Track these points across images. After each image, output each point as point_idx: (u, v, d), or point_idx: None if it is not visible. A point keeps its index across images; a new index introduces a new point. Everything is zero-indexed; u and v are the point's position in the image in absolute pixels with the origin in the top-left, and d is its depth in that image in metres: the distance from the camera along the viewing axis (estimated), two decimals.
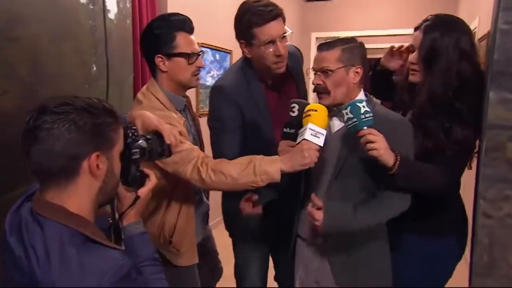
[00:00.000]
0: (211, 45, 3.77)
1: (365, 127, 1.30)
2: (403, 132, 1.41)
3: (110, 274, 0.84)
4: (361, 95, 1.46)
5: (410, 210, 1.40)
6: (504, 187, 1.28)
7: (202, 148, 1.74)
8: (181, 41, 1.52)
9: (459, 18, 1.51)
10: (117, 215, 1.12)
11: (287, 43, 1.64)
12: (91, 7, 1.70)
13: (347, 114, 1.31)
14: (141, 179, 1.12)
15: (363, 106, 1.30)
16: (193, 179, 1.42)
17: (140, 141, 1.11)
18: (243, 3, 1.64)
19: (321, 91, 1.42)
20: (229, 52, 4.12)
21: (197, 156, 1.43)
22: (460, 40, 1.44)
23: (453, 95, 1.42)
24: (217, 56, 3.94)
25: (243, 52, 1.69)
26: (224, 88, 1.67)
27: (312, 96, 1.86)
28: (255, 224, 1.81)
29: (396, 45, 1.76)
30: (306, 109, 1.37)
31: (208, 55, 3.79)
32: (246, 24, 1.58)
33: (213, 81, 3.79)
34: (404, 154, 1.34)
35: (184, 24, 1.54)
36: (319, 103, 1.44)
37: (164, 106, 1.53)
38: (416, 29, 1.54)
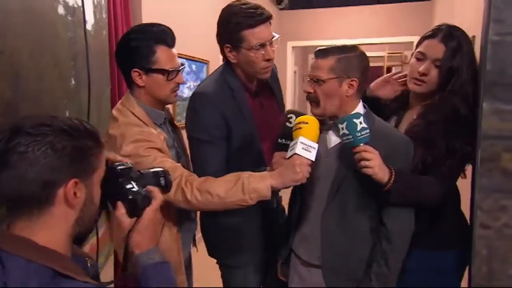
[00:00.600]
0: (187, 56, 3.72)
1: (361, 144, 1.27)
2: (404, 152, 1.38)
3: None
4: (359, 108, 1.40)
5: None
6: (500, 197, 1.29)
7: (187, 161, 1.65)
8: (161, 56, 1.42)
9: (457, 26, 1.50)
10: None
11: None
12: (70, 18, 1.63)
13: (342, 129, 1.29)
14: (148, 200, 1.00)
15: (360, 123, 1.27)
16: (177, 200, 1.34)
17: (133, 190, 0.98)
18: (228, 6, 1.58)
19: (312, 100, 1.39)
20: (205, 62, 4.07)
21: (180, 175, 1.35)
22: (471, 51, 1.44)
23: (470, 107, 1.41)
24: (194, 67, 3.89)
25: (227, 57, 1.62)
26: (207, 95, 1.58)
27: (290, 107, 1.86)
28: (238, 243, 1.74)
29: (393, 69, 1.74)
30: (296, 121, 1.32)
31: (185, 66, 3.73)
32: (235, 26, 1.52)
33: (190, 93, 3.74)
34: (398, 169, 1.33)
35: (166, 37, 1.44)
36: (311, 111, 1.41)
37: (142, 121, 1.43)
38: (428, 37, 1.49)
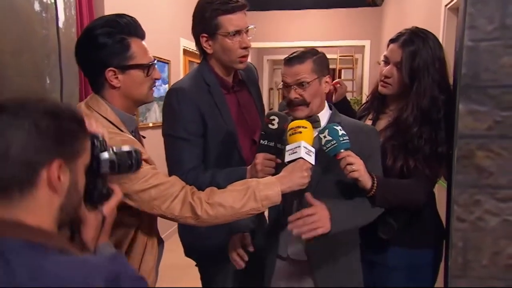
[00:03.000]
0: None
1: (342, 150, 1.33)
2: (374, 139, 1.49)
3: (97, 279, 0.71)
4: (327, 106, 1.51)
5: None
6: (475, 192, 1.39)
7: None
8: (137, 50, 1.27)
9: (427, 30, 1.57)
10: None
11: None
12: (44, 15, 1.55)
13: (325, 137, 1.34)
14: (108, 195, 1.02)
15: (340, 129, 1.34)
16: (183, 217, 1.26)
17: (109, 153, 0.99)
18: None
19: (299, 104, 1.43)
20: (167, 62, 4.01)
21: (182, 189, 1.27)
22: (436, 51, 1.51)
23: (439, 107, 1.50)
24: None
25: (203, 49, 1.62)
26: (183, 90, 1.56)
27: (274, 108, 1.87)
28: (216, 243, 1.71)
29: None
30: (293, 126, 1.34)
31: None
32: (211, 13, 1.54)
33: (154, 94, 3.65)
34: (379, 172, 1.41)
35: (136, 28, 1.30)
36: (295, 115, 1.44)
37: (117, 128, 1.28)
38: (392, 41, 1.57)
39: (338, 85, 1.90)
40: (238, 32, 1.56)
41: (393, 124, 1.57)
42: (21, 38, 1.47)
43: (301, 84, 1.40)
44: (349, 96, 8.26)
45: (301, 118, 1.42)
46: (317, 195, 1.40)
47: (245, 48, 1.59)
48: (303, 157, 1.28)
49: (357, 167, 1.32)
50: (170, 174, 1.56)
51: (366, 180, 1.35)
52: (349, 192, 1.43)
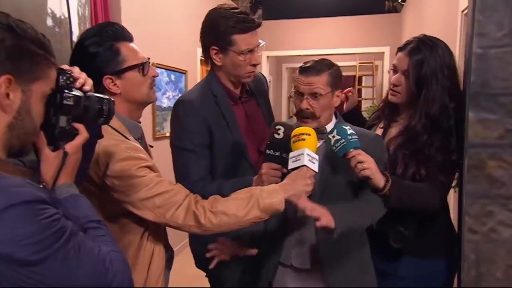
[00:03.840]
0: (165, 66, 3.71)
1: (351, 149, 1.32)
2: (379, 146, 1.47)
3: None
4: (333, 118, 1.51)
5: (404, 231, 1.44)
6: (486, 202, 1.35)
7: None
8: (127, 52, 1.28)
9: (437, 38, 1.56)
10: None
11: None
12: (57, 30, 1.61)
13: (334, 137, 1.34)
14: (71, 135, 0.95)
15: (349, 129, 1.35)
16: (186, 225, 1.25)
17: (77, 91, 0.94)
18: (217, 9, 1.60)
19: (308, 116, 1.43)
20: (184, 72, 4.07)
21: (186, 197, 1.27)
22: (446, 59, 1.50)
23: (449, 115, 1.48)
24: (172, 77, 3.88)
25: (211, 60, 1.64)
26: (191, 101, 1.60)
27: (282, 118, 1.86)
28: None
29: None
30: (297, 133, 1.34)
31: (163, 76, 3.72)
32: (226, 30, 1.54)
33: (170, 103, 3.72)
34: (392, 177, 1.39)
35: (123, 33, 1.31)
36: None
37: (123, 135, 1.29)
38: (399, 50, 1.57)
39: (350, 93, 1.90)
40: (250, 51, 1.58)
41: (404, 132, 1.56)
42: None
43: (314, 95, 1.41)
44: (369, 103, 8.26)
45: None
46: (323, 203, 1.39)
47: (254, 65, 1.62)
48: (307, 164, 1.27)
49: (368, 165, 1.32)
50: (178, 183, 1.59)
51: (379, 179, 1.35)
52: (357, 185, 1.42)
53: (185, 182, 1.46)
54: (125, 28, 1.33)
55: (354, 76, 7.88)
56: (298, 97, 1.45)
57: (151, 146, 1.50)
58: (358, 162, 1.32)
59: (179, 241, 3.47)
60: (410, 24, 5.26)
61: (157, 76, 1.39)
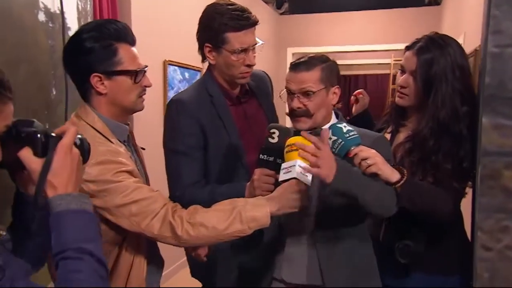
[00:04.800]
0: (179, 63, 3.77)
1: (352, 147, 1.29)
2: (383, 147, 1.42)
3: None
4: (333, 116, 1.48)
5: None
6: (502, 217, 1.30)
7: (148, 184, 1.50)
8: (125, 56, 1.28)
9: (449, 36, 1.53)
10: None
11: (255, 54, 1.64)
12: (51, 25, 1.66)
13: (330, 138, 1.30)
14: (54, 139, 0.89)
15: (344, 126, 1.31)
16: (162, 236, 1.24)
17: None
18: (213, 5, 1.60)
19: (301, 115, 1.41)
20: (199, 70, 4.12)
21: (163, 206, 1.24)
22: (457, 59, 1.46)
23: (460, 119, 1.44)
24: (186, 75, 3.94)
25: (205, 58, 1.64)
26: (182, 101, 1.60)
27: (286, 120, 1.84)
28: (225, 267, 1.71)
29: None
30: (290, 142, 1.31)
31: (176, 74, 3.78)
32: (219, 27, 1.54)
33: None
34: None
35: (126, 34, 1.30)
36: (296, 127, 1.42)
37: (105, 137, 1.28)
38: (407, 48, 1.54)
39: (361, 95, 1.87)
40: (244, 50, 1.57)
41: (411, 138, 1.52)
42: (20, 48, 1.56)
43: (306, 93, 1.38)
44: None
45: (304, 130, 1.40)
46: (321, 215, 1.39)
47: (249, 66, 1.61)
48: (297, 177, 1.23)
49: (372, 161, 1.27)
50: (169, 188, 1.60)
51: (388, 173, 1.30)
52: (358, 213, 1.40)
53: (176, 186, 1.48)
54: (130, 29, 1.33)
55: (389, 75, 7.75)
56: (289, 95, 1.42)
57: (143, 149, 1.53)
58: (362, 160, 1.28)
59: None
60: (449, 18, 5.14)
61: (150, 86, 1.38)
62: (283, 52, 6.53)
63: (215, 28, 1.56)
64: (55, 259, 0.83)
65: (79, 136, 0.97)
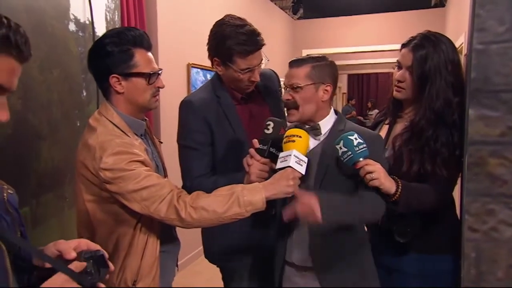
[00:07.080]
0: (202, 66, 3.83)
1: (361, 159, 1.32)
2: (379, 146, 1.47)
3: None
4: (331, 113, 1.49)
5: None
6: (487, 201, 1.31)
7: (165, 175, 1.62)
8: (140, 59, 1.37)
9: (442, 34, 1.55)
10: None
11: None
12: (81, 34, 1.73)
13: (340, 148, 1.34)
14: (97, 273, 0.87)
15: (355, 138, 1.33)
16: (168, 218, 1.30)
17: None
18: (221, 23, 1.61)
19: (290, 107, 1.45)
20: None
21: (170, 192, 1.31)
22: (449, 54, 1.48)
23: (453, 109, 1.45)
24: (208, 76, 3.99)
25: (213, 67, 1.67)
26: (191, 102, 1.65)
27: None
28: (234, 248, 1.75)
29: None
30: (289, 134, 1.35)
31: (199, 76, 3.83)
32: (228, 49, 1.56)
33: None
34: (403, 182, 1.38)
35: (142, 40, 1.39)
36: (287, 119, 1.47)
37: (122, 131, 1.36)
38: (403, 46, 1.56)
39: None
40: (250, 70, 1.59)
41: (409, 128, 1.54)
42: (51, 56, 1.64)
43: (294, 88, 1.42)
44: None
45: (293, 122, 1.44)
46: (325, 183, 1.41)
47: (253, 82, 1.64)
48: (292, 166, 1.28)
49: (376, 175, 1.32)
50: (182, 179, 1.66)
51: (389, 187, 1.35)
52: (353, 178, 1.42)
53: (187, 177, 1.54)
54: (146, 36, 1.41)
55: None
56: (285, 90, 1.48)
57: (161, 142, 1.59)
58: (367, 173, 1.32)
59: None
60: (453, 19, 5.04)
61: (163, 87, 1.46)
62: (298, 53, 6.53)
63: (223, 50, 1.57)
64: None
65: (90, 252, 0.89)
